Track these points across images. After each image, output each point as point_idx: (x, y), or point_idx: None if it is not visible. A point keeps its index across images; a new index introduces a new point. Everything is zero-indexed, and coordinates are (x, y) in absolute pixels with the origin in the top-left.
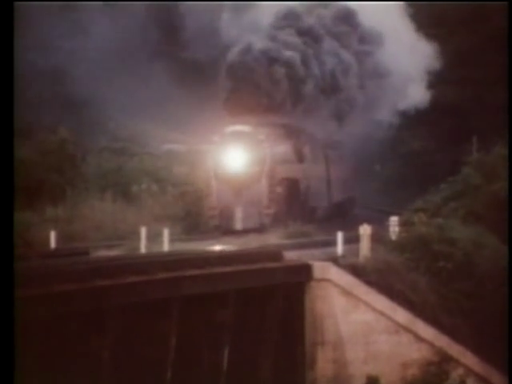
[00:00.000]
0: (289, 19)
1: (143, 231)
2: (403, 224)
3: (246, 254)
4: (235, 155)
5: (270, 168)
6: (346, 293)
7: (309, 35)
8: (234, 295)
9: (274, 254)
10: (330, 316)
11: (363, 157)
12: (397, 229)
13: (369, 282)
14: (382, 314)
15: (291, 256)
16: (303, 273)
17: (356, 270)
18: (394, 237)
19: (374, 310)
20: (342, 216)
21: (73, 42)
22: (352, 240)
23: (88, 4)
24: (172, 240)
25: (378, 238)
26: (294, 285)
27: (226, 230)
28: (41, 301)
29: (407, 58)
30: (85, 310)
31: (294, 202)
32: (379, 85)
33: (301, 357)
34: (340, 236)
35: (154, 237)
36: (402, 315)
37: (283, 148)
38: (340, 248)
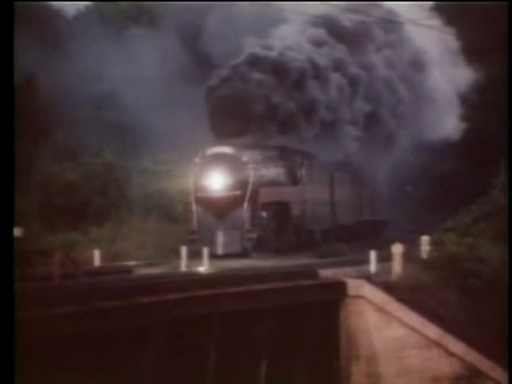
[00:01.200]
0: (325, 25)
1: (184, 250)
2: (434, 243)
3: (282, 272)
4: (216, 178)
5: (252, 191)
6: (379, 309)
7: (353, 45)
8: (272, 312)
9: (309, 272)
10: (363, 331)
11: (394, 179)
12: (428, 248)
13: (401, 299)
14: (413, 329)
15: (326, 274)
16: (338, 290)
17: (389, 288)
18: (425, 255)
19: (406, 325)
20: (352, 238)
21: (118, 69)
22: (384, 258)
23: (133, 30)
24: (211, 258)
25: (409, 257)
26: (328, 301)
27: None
28: (85, 317)
29: (441, 84)
30: (128, 325)
31: (284, 226)
32: (417, 112)
33: (336, 371)
34: (373, 255)
35: (194, 255)
36: (432, 331)
37: (273, 170)
38: (373, 266)
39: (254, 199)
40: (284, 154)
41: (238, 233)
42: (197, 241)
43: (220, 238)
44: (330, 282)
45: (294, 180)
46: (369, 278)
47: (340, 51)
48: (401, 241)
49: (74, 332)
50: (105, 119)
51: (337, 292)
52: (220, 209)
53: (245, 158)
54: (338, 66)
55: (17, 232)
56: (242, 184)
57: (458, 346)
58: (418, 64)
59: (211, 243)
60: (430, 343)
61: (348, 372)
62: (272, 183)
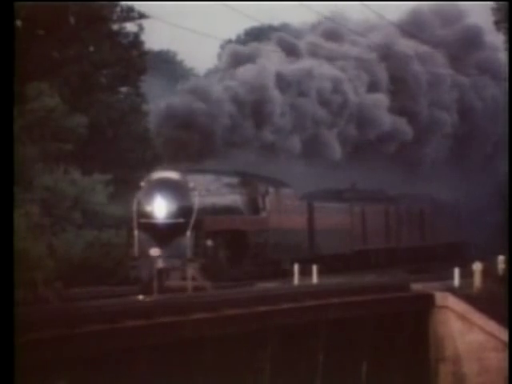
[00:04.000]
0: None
1: (296, 267)
2: (508, 262)
3: (379, 286)
4: (158, 204)
5: (197, 219)
6: (462, 317)
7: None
8: (370, 319)
9: (403, 286)
10: (449, 337)
11: (474, 206)
12: (503, 266)
13: (481, 309)
14: (491, 335)
15: (417, 287)
16: (427, 301)
17: (470, 299)
18: (501, 272)
19: (486, 332)
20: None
21: None
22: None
23: None
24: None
25: (487, 274)
26: (419, 311)
27: (146, 282)
28: (215, 322)
29: None
30: (250, 330)
31: (239, 255)
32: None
33: (426, 370)
34: (457, 271)
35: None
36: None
37: (229, 198)
38: (457, 281)
39: (198, 227)
40: (245, 182)
41: (178, 261)
42: (137, 268)
43: (160, 266)
44: (420, 294)
45: (254, 209)
46: (453, 290)
47: None
48: (481, 259)
49: (204, 335)
50: None
51: (426, 303)
52: (162, 236)
53: (191, 185)
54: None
55: (155, 252)
56: (185, 211)
57: None
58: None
59: (151, 271)
60: (506, 347)
61: (436, 371)
62: (225, 211)
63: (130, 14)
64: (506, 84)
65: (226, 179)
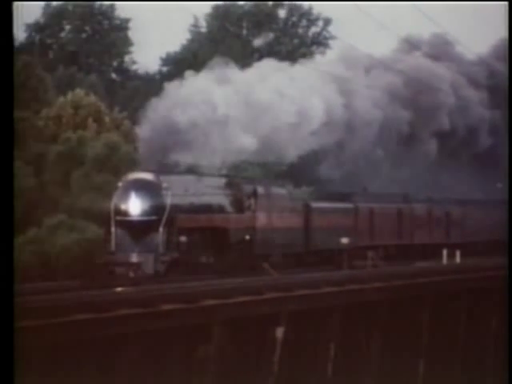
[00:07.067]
0: None
1: (444, 252)
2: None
3: (469, 267)
4: (132, 203)
5: (169, 217)
6: None
7: None
8: (466, 292)
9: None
10: None
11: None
12: None
13: None
14: None
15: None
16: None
17: None
18: None
19: None
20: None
21: None
22: None
23: None
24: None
25: None
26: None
27: (120, 275)
28: (385, 290)
29: None
30: (409, 296)
31: (218, 251)
32: None
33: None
34: None
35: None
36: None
37: (209, 198)
38: None
39: (170, 224)
40: (230, 183)
41: (151, 256)
42: (112, 262)
43: (134, 260)
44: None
45: (238, 208)
46: None
47: None
48: None
49: (380, 299)
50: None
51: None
52: (137, 232)
53: (164, 185)
54: None
55: (345, 240)
56: (158, 209)
57: None
58: None
59: (126, 264)
60: None
61: None
62: (205, 210)
63: None
64: (506, 84)
65: (210, 181)
